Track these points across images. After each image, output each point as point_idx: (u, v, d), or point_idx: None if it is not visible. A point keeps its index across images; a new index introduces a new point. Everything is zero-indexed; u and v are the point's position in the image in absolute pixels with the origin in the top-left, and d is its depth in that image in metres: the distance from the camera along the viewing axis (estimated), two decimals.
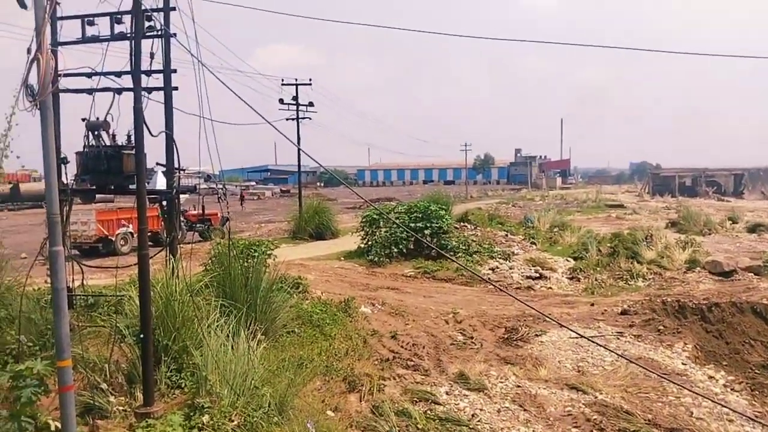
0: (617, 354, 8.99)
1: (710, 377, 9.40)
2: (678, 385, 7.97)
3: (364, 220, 20.78)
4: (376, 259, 18.34)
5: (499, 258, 19.46)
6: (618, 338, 10.64)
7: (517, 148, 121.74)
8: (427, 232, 19.10)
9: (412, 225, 19.28)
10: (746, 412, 7.99)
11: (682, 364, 9.74)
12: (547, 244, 23.36)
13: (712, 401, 7.64)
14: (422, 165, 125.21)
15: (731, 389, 9.19)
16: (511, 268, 18.14)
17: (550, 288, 16.07)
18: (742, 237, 26.01)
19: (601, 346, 8.99)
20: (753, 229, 27.73)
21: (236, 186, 61.89)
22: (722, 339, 11.40)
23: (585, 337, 9.29)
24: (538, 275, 17.22)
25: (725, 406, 7.58)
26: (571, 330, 9.58)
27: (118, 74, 8.23)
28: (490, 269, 17.96)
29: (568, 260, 19.43)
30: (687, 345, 10.53)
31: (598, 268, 17.62)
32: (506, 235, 24.56)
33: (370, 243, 19.56)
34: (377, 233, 19.64)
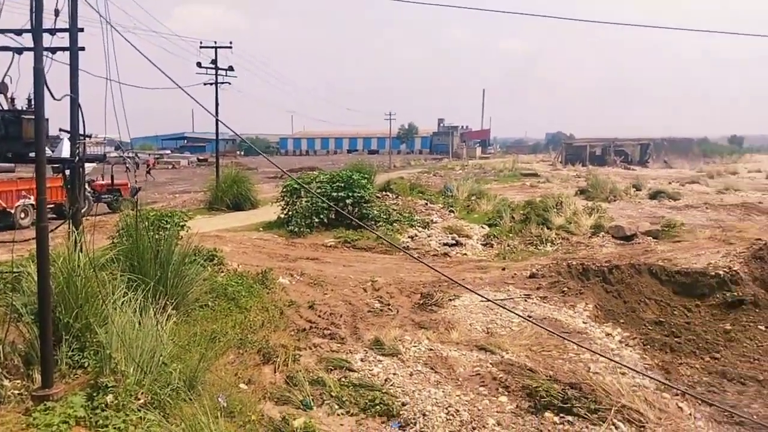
0: (522, 317, 9.46)
1: (608, 334, 10.10)
2: (575, 343, 8.51)
3: (284, 190, 20.53)
4: (296, 229, 18.22)
5: (419, 226, 19.86)
6: (525, 300, 11.20)
7: (440, 117, 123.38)
8: (348, 201, 19.15)
9: (334, 194, 19.26)
10: (636, 366, 8.67)
11: (583, 322, 10.39)
12: (464, 212, 24.05)
13: (604, 357, 8.22)
14: (347, 134, 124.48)
15: (626, 345, 9.92)
16: (429, 236, 18.57)
17: (465, 254, 16.60)
18: (645, 203, 27.84)
19: (506, 309, 9.42)
20: (654, 195, 29.75)
21: (149, 155, 59.17)
22: (620, 298, 12.23)
23: (490, 300, 9.72)
24: (454, 242, 17.73)
25: (615, 361, 8.18)
26: (478, 294, 9.98)
27: (18, 32, 7.59)
28: (409, 237, 18.31)
29: (483, 227, 20.11)
30: (588, 305, 11.23)
31: (511, 234, 18.36)
32: (426, 204, 25.04)
33: (290, 213, 19.39)
34: (298, 203, 19.48)
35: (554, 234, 18.13)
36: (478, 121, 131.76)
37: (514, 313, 9.47)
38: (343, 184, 19.69)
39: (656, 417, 6.70)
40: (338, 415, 6.58)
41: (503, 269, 13.81)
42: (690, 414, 7.07)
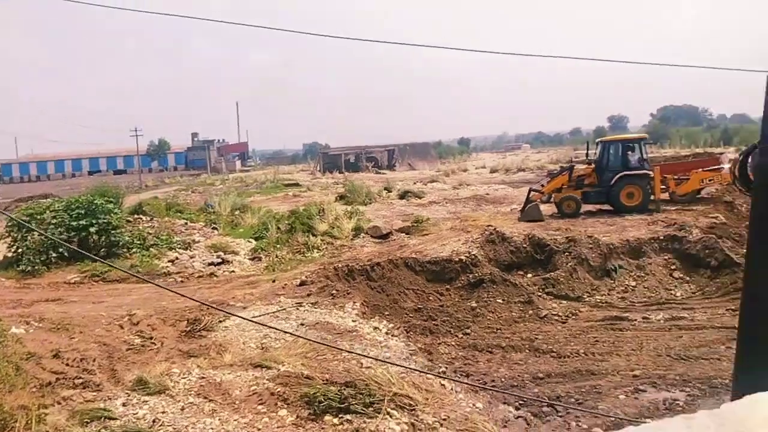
0: (281, 330, 9.48)
1: (375, 328, 10.68)
2: (329, 346, 8.80)
3: (8, 225, 17.57)
4: (29, 268, 15.72)
5: (180, 248, 18.70)
6: (297, 308, 11.27)
7: (194, 132, 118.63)
8: (92, 230, 17.16)
9: (74, 224, 17.09)
10: (402, 353, 9.32)
11: (352, 321, 10.83)
12: (229, 228, 23.35)
13: (359, 355, 8.65)
14: (86, 154, 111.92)
15: (392, 335, 10.61)
16: (192, 257, 17.60)
17: (233, 271, 16.13)
18: (396, 203, 30.21)
19: (266, 326, 9.37)
20: (403, 195, 32.46)
21: None
22: (384, 293, 13.06)
23: (249, 320, 9.56)
24: (221, 260, 17.09)
25: (371, 358, 8.66)
26: (237, 316, 9.74)
27: None
28: (169, 261, 17.11)
29: (250, 241, 19.77)
30: (356, 303, 11.75)
31: (279, 245, 18.37)
32: (186, 224, 23.71)
33: (20, 250, 16.67)
34: (29, 238, 16.83)
35: (320, 240, 18.63)
36: (235, 135, 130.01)
37: (275, 328, 9.44)
38: (84, 211, 17.56)
39: (424, 398, 7.24)
40: None
41: (273, 281, 13.73)
42: (452, 389, 7.79)
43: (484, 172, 55.82)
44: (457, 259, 13.84)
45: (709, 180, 20.06)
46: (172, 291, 11.22)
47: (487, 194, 31.39)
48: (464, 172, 56.71)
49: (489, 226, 16.56)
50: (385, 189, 35.87)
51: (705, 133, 77.62)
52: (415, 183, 43.35)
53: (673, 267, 14.01)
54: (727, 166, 20.06)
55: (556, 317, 11.98)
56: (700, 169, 20.64)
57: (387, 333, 10.55)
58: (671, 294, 13.13)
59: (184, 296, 9.66)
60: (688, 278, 13.62)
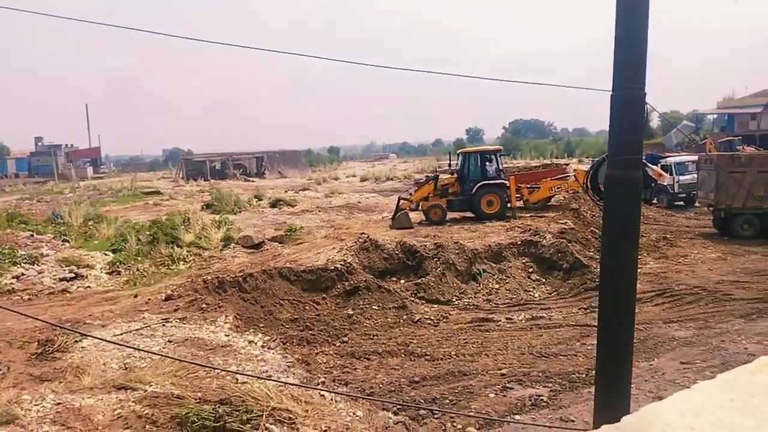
0: (143, 350, 8.93)
1: (250, 341, 10.35)
2: (198, 364, 8.45)
3: None
4: None
5: (25, 263, 16.82)
6: (164, 325, 10.61)
7: (38, 136, 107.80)
8: None
9: None
10: (279, 365, 9.12)
11: (225, 335, 10.41)
12: (82, 240, 21.43)
13: (228, 371, 8.38)
14: None
15: (268, 348, 10.35)
16: (41, 272, 15.92)
17: (89, 287, 14.84)
18: (267, 212, 29.63)
19: (125, 345, 8.76)
20: (275, 204, 31.92)
21: None
22: (258, 304, 12.71)
23: (105, 340, 8.90)
24: (74, 275, 15.64)
25: (241, 373, 8.43)
26: (92, 336, 9.03)
27: None
28: (13, 277, 15.34)
29: (107, 254, 18.29)
30: (228, 317, 11.31)
31: (139, 258, 17.21)
32: (32, 236, 21.41)
33: None
34: None
35: (186, 251, 17.72)
36: (84, 139, 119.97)
37: (136, 348, 8.86)
38: None
39: (303, 411, 7.14)
40: None
41: (135, 296, 12.82)
42: (332, 399, 7.75)
43: (354, 181, 56.57)
44: (332, 268, 13.86)
45: (557, 188, 21.92)
46: (12, 311, 10.08)
47: (359, 202, 31.85)
48: (335, 181, 57.08)
49: (362, 233, 16.78)
50: (256, 197, 35.07)
51: (551, 144, 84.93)
52: (286, 191, 42.85)
53: (530, 270, 15.10)
54: (572, 174, 22.08)
55: (429, 321, 12.40)
56: (549, 178, 22.51)
57: (263, 346, 10.28)
58: (530, 295, 14.14)
59: (28, 316, 8.72)
60: (544, 280, 14.76)
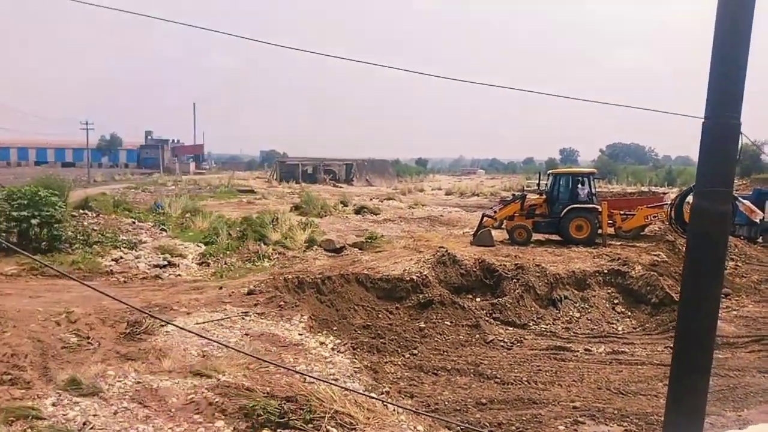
0: (221, 344, 9.29)
1: (321, 343, 10.55)
2: (269, 361, 8.66)
3: None
4: None
5: (125, 247, 18.12)
6: (243, 318, 11.04)
7: (148, 130, 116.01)
8: (34, 222, 16.45)
9: (15, 214, 16.37)
10: (347, 370, 9.24)
11: (299, 334, 10.67)
12: (178, 231, 22.81)
13: (299, 372, 8.55)
14: (33, 143, 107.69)
15: (338, 351, 10.50)
16: (138, 258, 17.07)
17: (180, 275, 15.72)
18: (351, 218, 30.21)
19: (201, 336, 9.16)
20: (359, 211, 32.49)
21: None
22: (333, 307, 12.95)
23: (185, 329, 9.34)
24: (167, 263, 16.65)
25: (311, 375, 8.57)
26: (173, 324, 9.50)
27: None
28: (113, 260, 16.54)
29: (199, 246, 19.33)
30: (303, 316, 11.59)
31: (228, 252, 18.03)
32: (134, 223, 23.07)
33: None
34: None
35: (271, 249, 18.38)
36: (189, 136, 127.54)
37: (214, 341, 9.25)
38: (26, 202, 16.82)
39: (365, 418, 7.17)
40: None
41: (220, 288, 13.43)
42: (394, 410, 7.74)
43: (439, 194, 56.50)
44: (408, 279, 13.89)
45: (654, 217, 20.79)
46: (103, 293, 10.84)
47: (442, 216, 31.76)
48: (420, 192, 57.30)
49: (441, 247, 16.69)
50: (341, 203, 35.84)
51: (650, 172, 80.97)
52: (371, 199, 43.49)
53: (615, 301, 14.42)
54: (669, 204, 20.88)
55: (502, 343, 12.13)
56: (645, 206, 21.41)
57: (333, 348, 10.44)
58: (613, 327, 13.50)
59: (117, 300, 9.35)
60: (629, 313, 14.04)
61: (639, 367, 10.99)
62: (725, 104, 3.15)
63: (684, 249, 18.25)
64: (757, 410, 9.15)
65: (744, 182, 42.42)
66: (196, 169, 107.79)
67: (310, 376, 7.98)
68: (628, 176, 72.61)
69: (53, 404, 7.00)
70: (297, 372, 8.26)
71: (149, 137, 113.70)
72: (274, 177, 75.94)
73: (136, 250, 17.92)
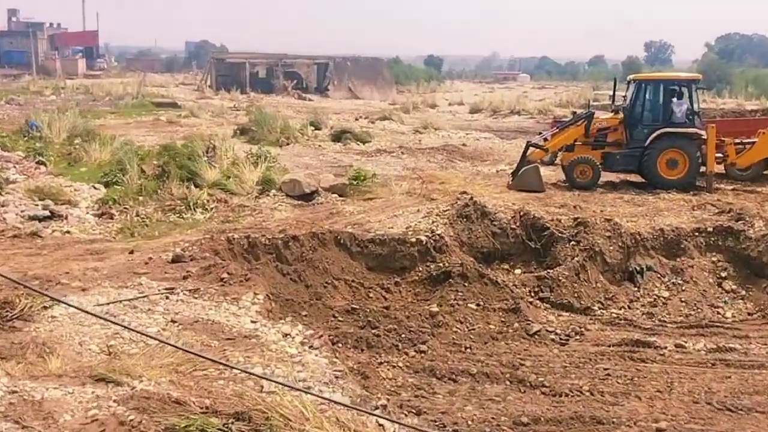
0: (143, 333, 9.38)
1: (285, 335, 10.66)
2: (209, 359, 8.78)
3: None
4: None
5: None
6: (167, 297, 11.12)
7: (12, 8, 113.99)
8: None
9: None
10: (325, 375, 9.38)
11: (252, 321, 10.77)
12: (64, 164, 22.72)
13: (256, 375, 8.67)
14: None
15: (310, 346, 10.62)
16: (3, 206, 17.06)
17: (69, 232, 15.72)
18: (327, 147, 30.08)
19: (106, 320, 9.23)
20: (339, 136, 32.27)
21: None
22: (302, 282, 13.09)
23: (90, 313, 9.42)
24: (49, 213, 16.64)
25: (271, 380, 8.71)
26: (69, 305, 9.56)
27: None
28: None
29: (96, 188, 19.31)
30: (258, 295, 11.67)
31: (141, 198, 18.01)
32: None
33: None
34: None
35: (206, 195, 18.36)
36: (78, 20, 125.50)
37: (126, 327, 9.35)
38: None
39: None
40: None
41: (131, 252, 13.48)
42: (394, 431, 7.91)
43: (461, 111, 56.28)
44: (413, 240, 13.97)
45: None
46: None
47: (464, 145, 31.69)
48: (432, 109, 56.99)
49: (464, 193, 16.74)
50: (312, 124, 35.63)
51: None
52: (357, 119, 43.27)
53: (723, 274, 14.61)
54: None
55: (553, 336, 12.31)
56: None
57: (303, 343, 10.55)
58: (718, 313, 13.71)
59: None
60: (743, 292, 14.24)
61: (756, 371, 11.21)
62: None
63: None
64: None
65: None
66: (87, 69, 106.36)
67: (271, 381, 8.10)
68: (748, 85, 72.05)
69: None
70: (252, 375, 8.39)
71: (13, 19, 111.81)
72: (208, 83, 75.19)
73: (1, 194, 17.87)
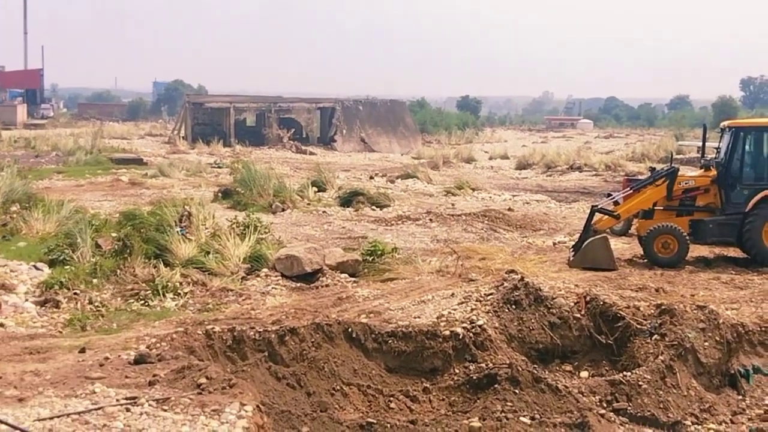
0: None
1: None
2: None
3: None
4: None
5: None
6: (128, 410, 11.05)
7: None
8: None
9: None
10: None
11: None
12: None
13: None
14: None
15: None
16: None
17: (1, 325, 15.77)
18: (334, 214, 30.21)
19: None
20: (348, 200, 32.43)
21: None
22: (302, 388, 12.97)
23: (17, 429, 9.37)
24: None
25: None
26: (2, 422, 9.52)
27: None
28: None
29: (38, 268, 19.41)
30: (245, 406, 11.58)
31: (96, 281, 18.05)
32: None
33: None
34: None
35: (179, 276, 18.39)
36: (19, 58, 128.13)
37: None
38: None
39: None
40: None
41: (83, 350, 13.48)
42: None
43: (505, 167, 56.55)
44: (447, 333, 13.91)
45: None
46: None
47: (511, 210, 31.76)
48: (468, 164, 57.31)
49: (511, 271, 16.70)
50: (314, 185, 35.87)
51: None
52: (372, 177, 43.55)
53: None
54: None
55: None
56: None
57: None
58: None
59: None
60: None
61: None
62: None
63: None
64: None
65: None
66: (29, 117, 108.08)
67: None
68: None
69: None
70: None
71: None
72: (182, 133, 75.90)
73: None
